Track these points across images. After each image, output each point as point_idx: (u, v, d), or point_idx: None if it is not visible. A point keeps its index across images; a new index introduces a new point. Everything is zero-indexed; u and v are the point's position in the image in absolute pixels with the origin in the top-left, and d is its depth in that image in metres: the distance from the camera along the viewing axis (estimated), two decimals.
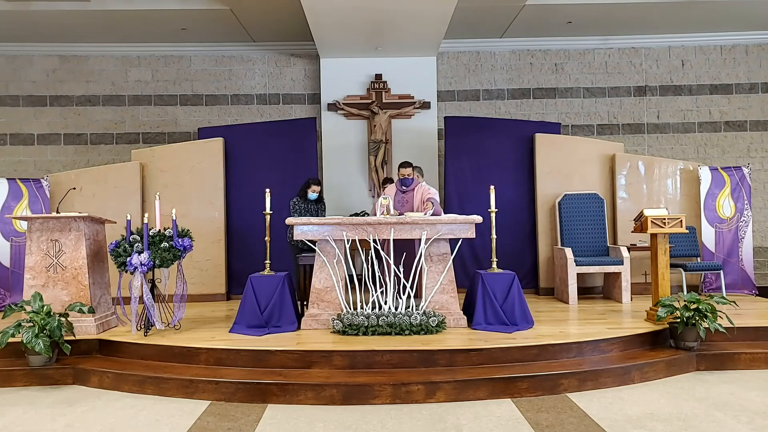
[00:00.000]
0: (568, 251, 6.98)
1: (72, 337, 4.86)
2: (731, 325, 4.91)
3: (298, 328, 5.37)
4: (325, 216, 6.76)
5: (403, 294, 5.39)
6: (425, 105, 8.77)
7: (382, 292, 5.38)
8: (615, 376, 4.41)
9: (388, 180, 8.21)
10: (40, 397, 4.36)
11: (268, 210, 5.78)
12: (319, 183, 6.66)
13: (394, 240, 5.48)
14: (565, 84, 9.10)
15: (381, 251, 5.41)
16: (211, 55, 9.14)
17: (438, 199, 6.21)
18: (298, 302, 6.09)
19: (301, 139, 8.07)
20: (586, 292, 7.56)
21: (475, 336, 4.98)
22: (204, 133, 8.30)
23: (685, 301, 4.95)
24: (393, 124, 8.75)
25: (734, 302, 5.10)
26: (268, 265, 5.67)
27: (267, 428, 3.66)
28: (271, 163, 7.98)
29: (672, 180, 7.83)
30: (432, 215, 5.73)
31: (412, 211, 6.10)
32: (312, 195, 6.56)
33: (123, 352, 4.94)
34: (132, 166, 7.62)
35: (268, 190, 5.91)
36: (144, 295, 5.13)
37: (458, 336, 4.99)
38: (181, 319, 5.54)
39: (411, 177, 6.41)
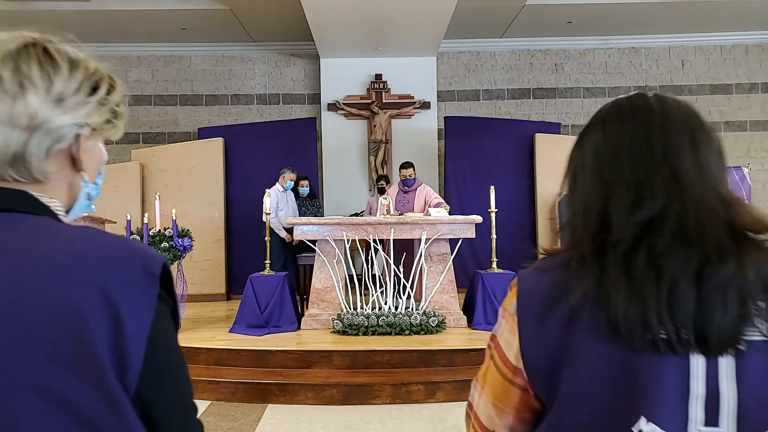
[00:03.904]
0: None
1: None
2: None
3: (298, 328, 5.37)
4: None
5: (403, 294, 5.39)
6: (425, 105, 8.77)
7: (382, 292, 5.38)
8: None
9: (383, 177, 8.06)
10: None
11: (267, 210, 5.78)
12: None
13: (394, 240, 5.48)
14: (565, 84, 9.10)
15: (381, 251, 5.41)
16: (211, 55, 9.14)
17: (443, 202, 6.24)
18: (297, 298, 6.10)
19: (301, 139, 8.08)
20: None
21: (475, 336, 4.98)
22: (204, 133, 8.30)
23: None
24: (393, 124, 8.75)
25: None
26: (268, 265, 5.67)
27: (267, 428, 3.66)
28: (271, 163, 7.97)
29: None
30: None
31: (413, 212, 6.11)
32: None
33: None
34: (132, 166, 7.62)
35: (267, 190, 5.92)
36: None
37: (458, 336, 5.00)
38: (181, 319, 5.54)
39: (413, 177, 6.42)
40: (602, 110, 0.91)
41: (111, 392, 0.66)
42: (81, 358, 0.65)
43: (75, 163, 0.77)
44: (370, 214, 7.22)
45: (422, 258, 5.41)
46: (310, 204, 7.13)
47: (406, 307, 5.31)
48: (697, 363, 0.76)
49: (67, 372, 0.65)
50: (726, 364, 0.76)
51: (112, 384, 0.66)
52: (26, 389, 0.64)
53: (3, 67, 0.73)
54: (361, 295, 5.35)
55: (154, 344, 0.70)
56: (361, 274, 5.55)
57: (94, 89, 0.80)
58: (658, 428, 0.76)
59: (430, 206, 6.17)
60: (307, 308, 5.62)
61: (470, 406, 0.92)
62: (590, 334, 0.78)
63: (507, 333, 0.86)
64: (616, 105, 0.90)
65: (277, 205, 6.47)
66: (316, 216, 6.79)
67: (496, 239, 5.79)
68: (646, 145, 0.83)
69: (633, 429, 0.76)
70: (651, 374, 0.76)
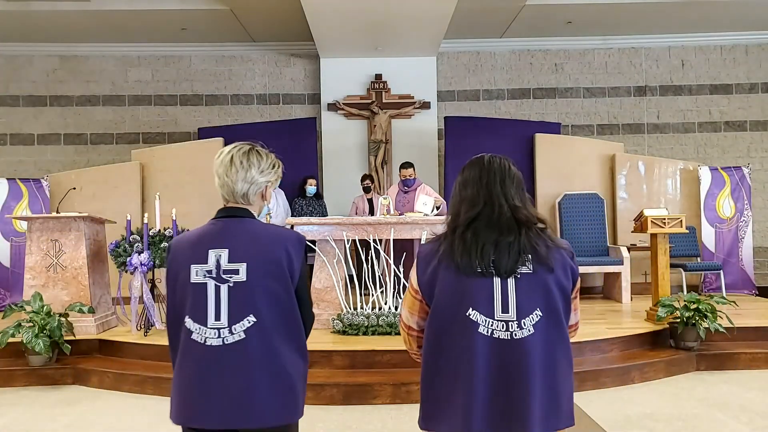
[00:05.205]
0: None
1: (72, 337, 4.86)
2: (731, 325, 4.90)
3: None
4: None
5: (403, 294, 5.38)
6: (425, 105, 8.77)
7: (382, 292, 5.37)
8: (615, 376, 4.41)
9: (368, 177, 7.93)
10: (40, 397, 4.36)
11: (267, 209, 5.77)
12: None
13: (394, 240, 5.48)
14: (565, 84, 9.09)
15: (381, 251, 5.41)
16: (211, 55, 9.14)
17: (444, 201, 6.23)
18: None
19: (301, 139, 8.07)
20: (585, 292, 7.55)
21: None
22: (204, 133, 8.29)
23: (685, 301, 4.95)
24: (393, 124, 8.74)
25: (734, 302, 5.10)
26: None
27: None
28: None
29: (672, 180, 7.83)
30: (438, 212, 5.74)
31: (413, 212, 6.11)
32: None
33: (123, 352, 4.94)
34: (132, 166, 7.62)
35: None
36: (144, 295, 5.13)
37: None
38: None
39: (413, 178, 6.41)
40: (467, 162, 1.79)
41: (289, 289, 1.78)
42: (279, 275, 1.77)
43: (263, 197, 1.92)
44: (356, 213, 7.20)
45: None
46: (317, 204, 7.10)
47: None
48: (497, 282, 1.63)
49: (275, 281, 1.76)
50: (510, 282, 1.63)
51: (289, 286, 1.78)
52: (262, 288, 1.75)
53: (244, 158, 1.90)
54: (361, 295, 5.35)
55: (302, 270, 1.83)
56: (361, 274, 5.55)
57: (274, 166, 1.93)
58: (479, 313, 1.62)
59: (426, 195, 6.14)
60: None
61: (401, 314, 1.83)
62: (446, 269, 1.66)
63: (414, 274, 1.74)
64: (471, 160, 1.78)
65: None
66: (322, 216, 6.78)
67: None
68: (479, 180, 1.72)
69: (466, 314, 1.62)
70: (474, 288, 1.63)
